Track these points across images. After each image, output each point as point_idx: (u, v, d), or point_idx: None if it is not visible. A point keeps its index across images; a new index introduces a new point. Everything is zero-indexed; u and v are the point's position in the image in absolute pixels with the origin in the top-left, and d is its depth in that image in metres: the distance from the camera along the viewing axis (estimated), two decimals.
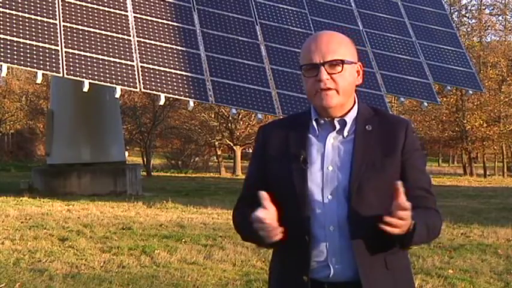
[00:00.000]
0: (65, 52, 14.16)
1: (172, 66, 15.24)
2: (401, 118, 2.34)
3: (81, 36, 14.66)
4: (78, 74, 14.03)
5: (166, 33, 15.87)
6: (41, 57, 13.74)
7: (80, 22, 14.89)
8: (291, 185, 2.17)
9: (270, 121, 2.49)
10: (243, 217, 2.22)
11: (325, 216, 2.14)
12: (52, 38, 14.21)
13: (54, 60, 13.88)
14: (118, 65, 14.60)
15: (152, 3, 16.22)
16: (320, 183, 2.15)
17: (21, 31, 13.92)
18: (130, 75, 14.62)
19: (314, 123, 2.22)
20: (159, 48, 15.46)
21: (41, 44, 13.94)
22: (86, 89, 14.10)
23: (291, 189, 2.17)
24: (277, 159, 2.23)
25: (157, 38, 15.63)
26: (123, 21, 15.53)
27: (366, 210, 2.10)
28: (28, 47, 13.76)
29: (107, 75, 14.29)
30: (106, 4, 15.55)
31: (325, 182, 2.15)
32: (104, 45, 14.79)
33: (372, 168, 2.14)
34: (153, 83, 14.79)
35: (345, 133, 2.19)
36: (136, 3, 16.02)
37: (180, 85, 15.05)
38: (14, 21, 13.99)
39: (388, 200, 2.16)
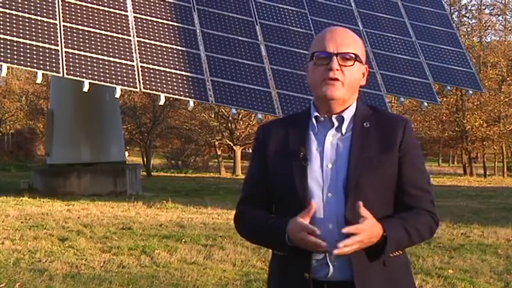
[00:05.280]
0: (65, 52, 14.16)
1: (172, 66, 15.24)
2: (400, 116, 2.35)
3: (81, 36, 14.66)
4: (78, 74, 14.03)
5: (166, 33, 15.87)
6: (41, 57, 13.74)
7: (80, 22, 14.89)
8: (292, 182, 2.17)
9: (269, 120, 2.51)
10: (260, 220, 2.23)
11: (324, 214, 2.14)
12: (52, 38, 14.21)
13: (54, 60, 13.87)
14: (118, 65, 14.60)
15: (152, 3, 16.22)
16: (320, 181, 2.16)
17: (21, 31, 13.91)
18: (130, 75, 14.62)
19: (314, 120, 2.23)
20: (159, 48, 15.46)
21: (41, 44, 13.94)
22: (86, 89, 14.09)
23: (291, 186, 2.17)
24: (277, 156, 2.24)
25: (157, 38, 15.62)
26: (123, 21, 15.52)
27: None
28: (28, 47, 13.75)
29: (107, 75, 14.29)
30: (106, 4, 15.55)
31: (325, 179, 2.16)
32: (104, 45, 14.78)
33: (369, 165, 2.15)
34: (153, 83, 14.79)
35: (343, 130, 2.21)
36: (136, 3, 16.02)
37: (180, 85, 15.05)
38: (14, 21, 13.99)
39: (386, 197, 2.18)
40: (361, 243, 2.04)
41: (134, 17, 15.78)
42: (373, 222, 2.05)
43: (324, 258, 2.14)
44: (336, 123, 2.21)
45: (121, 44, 15.03)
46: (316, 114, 2.23)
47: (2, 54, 13.36)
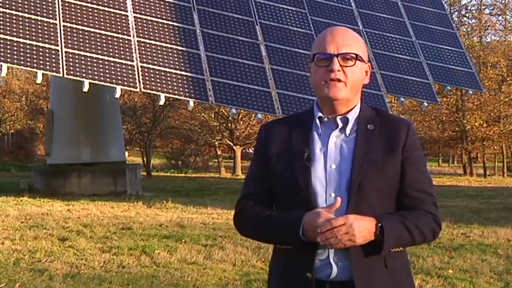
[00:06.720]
0: (65, 52, 14.16)
1: (172, 66, 15.23)
2: (403, 118, 2.35)
3: (81, 36, 14.65)
4: (78, 74, 14.03)
5: (166, 33, 15.86)
6: (41, 57, 13.74)
7: (80, 22, 14.89)
8: (295, 182, 2.17)
9: (271, 120, 2.49)
10: (266, 213, 2.21)
11: None
12: (52, 38, 14.21)
13: (54, 60, 13.87)
14: (118, 65, 14.59)
15: (152, 3, 16.22)
16: (323, 182, 2.16)
17: (21, 31, 13.91)
18: (130, 75, 14.62)
19: (317, 121, 2.22)
20: (159, 48, 15.45)
21: (41, 44, 13.94)
22: (86, 89, 14.09)
23: (295, 187, 2.17)
24: (280, 157, 2.23)
25: (157, 38, 15.62)
26: (123, 21, 15.52)
27: (366, 209, 2.10)
28: (28, 47, 13.75)
29: (107, 75, 14.29)
30: (106, 4, 15.55)
31: (328, 180, 2.16)
32: (104, 45, 14.78)
33: (373, 166, 2.14)
34: (153, 83, 14.78)
35: (347, 131, 2.20)
36: (136, 3, 16.02)
37: (180, 85, 15.05)
38: (14, 21, 13.99)
39: (389, 199, 2.17)
40: (349, 232, 2.00)
41: (134, 17, 15.78)
42: (356, 216, 2.04)
43: (327, 258, 2.14)
44: (340, 124, 2.20)
45: (121, 44, 15.03)
46: (320, 114, 2.22)
47: (2, 54, 13.36)
